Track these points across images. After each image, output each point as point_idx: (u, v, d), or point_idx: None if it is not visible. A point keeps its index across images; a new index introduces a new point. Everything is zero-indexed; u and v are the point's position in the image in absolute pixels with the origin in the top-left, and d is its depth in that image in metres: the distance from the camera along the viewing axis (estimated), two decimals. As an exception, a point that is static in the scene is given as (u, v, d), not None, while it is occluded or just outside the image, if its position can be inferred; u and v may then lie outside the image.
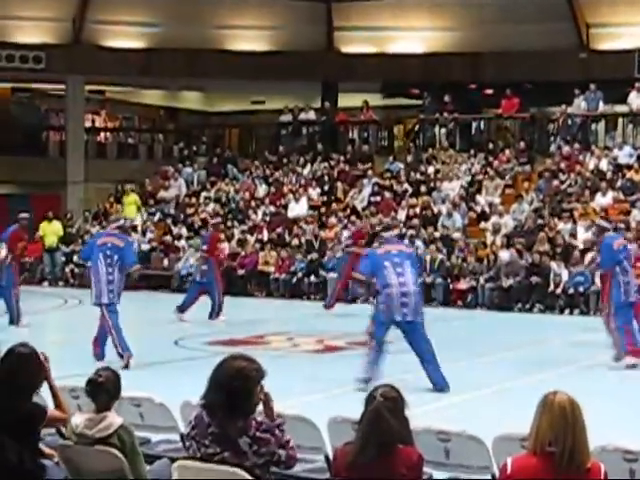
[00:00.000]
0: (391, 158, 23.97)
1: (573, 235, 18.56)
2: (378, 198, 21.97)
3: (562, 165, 21.51)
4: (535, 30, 23.37)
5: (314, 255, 19.78)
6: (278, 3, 25.58)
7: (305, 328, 14.75)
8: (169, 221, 23.50)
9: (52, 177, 25.36)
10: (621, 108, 22.96)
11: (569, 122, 22.90)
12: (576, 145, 22.02)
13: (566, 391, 3.79)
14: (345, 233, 19.28)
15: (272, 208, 22.91)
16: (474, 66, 24.62)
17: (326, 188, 23.36)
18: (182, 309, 15.58)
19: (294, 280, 19.63)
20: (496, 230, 19.50)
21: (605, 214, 19.01)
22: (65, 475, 4.82)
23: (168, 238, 22.32)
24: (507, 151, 22.79)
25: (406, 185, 22.38)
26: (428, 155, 23.65)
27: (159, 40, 25.37)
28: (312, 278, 19.41)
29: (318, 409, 6.45)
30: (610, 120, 22.97)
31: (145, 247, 22.13)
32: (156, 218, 23.89)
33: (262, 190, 24.01)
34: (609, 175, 20.82)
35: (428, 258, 18.73)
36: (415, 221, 20.33)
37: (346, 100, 26.64)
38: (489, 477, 5.00)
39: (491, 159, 22.73)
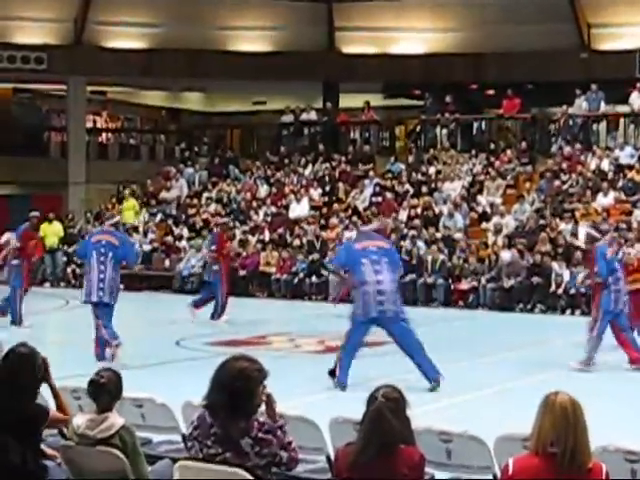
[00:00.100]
0: (392, 159, 23.98)
1: (574, 235, 18.55)
2: (379, 199, 21.98)
3: (563, 165, 21.52)
4: (536, 30, 23.43)
5: (315, 256, 19.77)
6: (279, 4, 25.63)
7: (306, 329, 14.75)
8: (170, 222, 23.51)
9: (53, 178, 25.37)
10: (622, 108, 23.02)
11: (570, 122, 22.93)
12: (577, 145, 22.05)
13: (567, 391, 3.79)
14: (347, 234, 19.25)
15: (273, 208, 22.93)
16: (475, 67, 24.67)
17: (327, 189, 23.38)
18: (197, 305, 15.53)
19: (295, 281, 19.62)
20: (497, 230, 19.51)
21: (607, 214, 19.09)
22: (67, 476, 4.82)
23: (169, 239, 22.32)
24: (508, 151, 22.83)
25: (407, 185, 22.40)
26: (429, 155, 23.68)
27: (161, 41, 25.37)
28: (313, 279, 19.40)
29: (320, 409, 6.46)
30: (611, 120, 23.01)
31: (147, 248, 22.14)
32: (158, 219, 23.88)
33: (263, 190, 24.02)
34: (610, 175, 20.83)
35: (429, 258, 18.73)
36: (416, 221, 20.31)
37: (347, 101, 26.65)
38: (491, 477, 5.00)
39: (492, 159, 22.76)
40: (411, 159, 23.78)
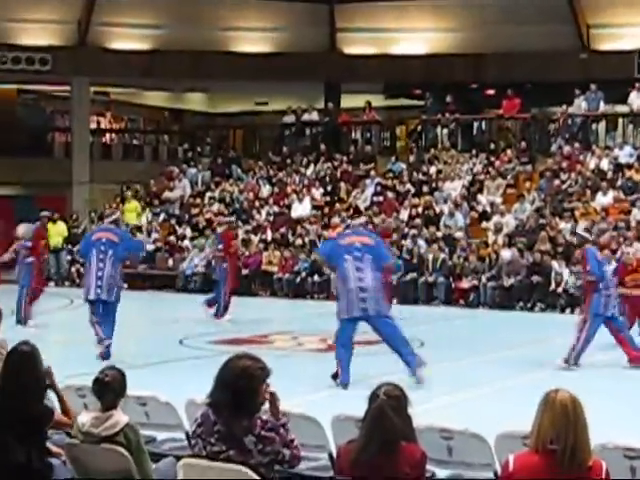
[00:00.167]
0: (393, 158, 23.97)
1: (574, 234, 18.60)
2: (381, 198, 22.03)
3: (563, 165, 21.54)
4: (536, 31, 23.40)
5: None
6: (281, 5, 25.64)
7: (309, 327, 14.74)
8: (174, 221, 23.55)
9: (58, 178, 25.32)
10: (621, 108, 23.04)
11: (570, 122, 22.97)
12: (577, 145, 22.05)
13: (567, 389, 3.81)
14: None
15: (276, 208, 22.97)
16: (476, 67, 24.65)
17: (329, 188, 23.40)
18: (210, 303, 15.56)
19: (297, 280, 19.69)
20: (498, 229, 19.54)
21: (606, 213, 19.11)
22: (72, 474, 4.85)
23: (173, 238, 22.38)
24: (508, 151, 22.83)
25: (408, 185, 22.43)
26: (430, 155, 23.66)
27: (163, 42, 25.35)
28: (315, 278, 19.45)
29: (322, 407, 6.45)
30: (610, 120, 23.03)
31: (150, 247, 22.04)
32: (161, 218, 23.93)
33: (266, 190, 24.05)
34: (610, 175, 20.86)
35: (430, 257, 18.80)
36: (417, 221, 20.37)
37: (349, 101, 26.64)
38: (491, 474, 5.01)
39: (493, 159, 22.76)
40: (412, 159, 23.77)
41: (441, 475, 5.23)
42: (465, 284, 18.37)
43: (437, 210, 21.04)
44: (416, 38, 25.35)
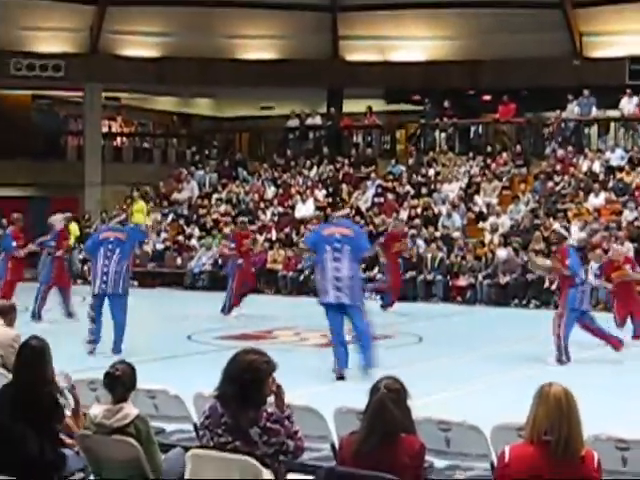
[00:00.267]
0: (393, 161, 24.08)
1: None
2: (381, 199, 22.18)
3: (557, 167, 21.67)
4: (531, 39, 23.49)
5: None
6: (286, 14, 25.57)
7: (311, 323, 13.73)
8: (182, 221, 23.76)
9: (71, 180, 25.38)
10: (613, 113, 23.10)
11: (563, 126, 23.06)
12: (570, 148, 22.14)
13: (561, 383, 3.87)
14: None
15: (280, 209, 23.14)
16: (472, 73, 24.70)
17: (331, 190, 23.48)
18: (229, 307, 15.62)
19: (301, 278, 19.77)
20: (494, 229, 19.72)
21: (598, 214, 19.26)
22: (84, 463, 4.97)
23: (181, 238, 22.63)
24: (504, 154, 22.91)
25: (408, 187, 22.57)
26: (429, 158, 23.74)
27: (173, 49, 25.46)
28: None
29: (324, 400, 6.46)
30: (602, 124, 23.09)
31: (159, 246, 22.46)
32: (170, 219, 24.12)
33: (271, 192, 24.20)
34: (602, 177, 20.94)
35: (429, 256, 19.01)
36: (417, 221, 20.50)
37: (351, 106, 26.70)
38: (488, 465, 5.07)
39: (489, 162, 22.84)
40: (411, 161, 23.89)
41: (439, 465, 5.31)
42: (462, 282, 18.53)
43: (435, 211, 21.18)
44: (415, 46, 25.40)
